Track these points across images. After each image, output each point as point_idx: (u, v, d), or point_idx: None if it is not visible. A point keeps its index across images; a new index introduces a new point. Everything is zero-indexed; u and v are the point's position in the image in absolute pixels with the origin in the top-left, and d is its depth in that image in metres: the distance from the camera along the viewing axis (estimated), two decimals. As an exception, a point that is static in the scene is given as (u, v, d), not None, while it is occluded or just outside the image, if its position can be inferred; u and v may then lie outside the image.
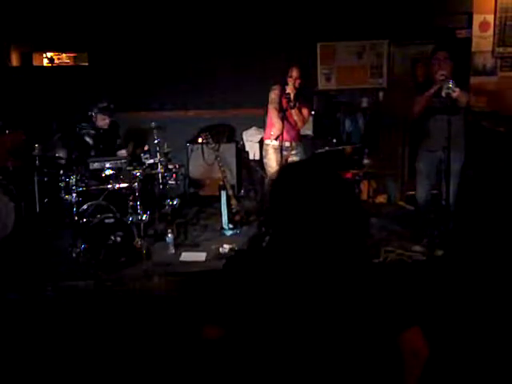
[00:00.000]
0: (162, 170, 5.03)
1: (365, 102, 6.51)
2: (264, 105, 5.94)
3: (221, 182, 5.20)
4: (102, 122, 5.12)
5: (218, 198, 5.21)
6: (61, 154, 5.22)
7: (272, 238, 1.54)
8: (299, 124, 4.90)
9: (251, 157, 6.25)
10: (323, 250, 1.48)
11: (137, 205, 4.76)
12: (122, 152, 5.32)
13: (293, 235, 1.50)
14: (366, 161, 4.97)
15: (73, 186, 4.52)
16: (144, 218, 4.79)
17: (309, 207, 1.48)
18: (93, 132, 5.11)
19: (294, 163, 2.16)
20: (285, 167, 1.66)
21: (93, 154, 5.06)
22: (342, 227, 1.49)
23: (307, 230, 1.48)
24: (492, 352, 2.97)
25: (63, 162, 5.12)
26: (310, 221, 1.47)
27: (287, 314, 1.47)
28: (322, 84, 6.51)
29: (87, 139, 5.11)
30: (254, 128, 6.32)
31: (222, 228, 5.16)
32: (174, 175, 5.09)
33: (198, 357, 1.62)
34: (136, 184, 4.72)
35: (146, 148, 5.21)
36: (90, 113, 5.12)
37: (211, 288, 1.62)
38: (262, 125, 6.16)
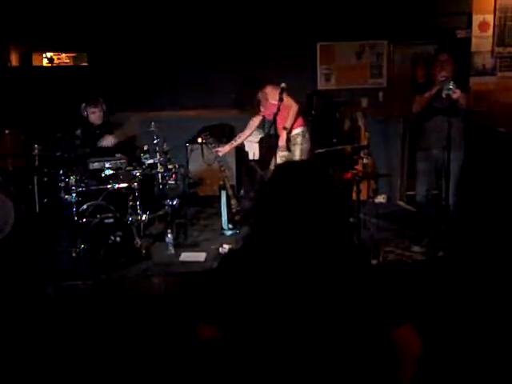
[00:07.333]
0: (162, 170, 5.02)
1: (364, 102, 6.51)
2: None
3: (221, 182, 5.19)
4: (94, 115, 5.17)
5: (218, 198, 5.20)
6: (59, 153, 5.21)
7: (263, 237, 1.55)
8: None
9: (251, 157, 6.24)
10: (314, 248, 1.50)
11: (136, 205, 4.76)
12: (108, 139, 5.23)
13: (282, 233, 1.51)
14: (365, 161, 4.96)
15: (72, 186, 4.52)
16: (143, 218, 4.79)
17: (296, 206, 1.49)
18: (88, 143, 5.12)
19: (282, 164, 2.20)
20: (276, 168, 1.68)
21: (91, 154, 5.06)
22: (328, 226, 1.51)
23: (295, 228, 1.49)
24: (490, 352, 2.97)
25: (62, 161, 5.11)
26: (298, 219, 1.49)
27: (281, 311, 1.47)
28: (321, 84, 6.51)
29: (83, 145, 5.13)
30: (253, 128, 6.30)
31: (222, 228, 5.15)
32: (174, 175, 5.08)
33: (194, 356, 1.63)
34: (135, 184, 4.72)
35: (145, 148, 5.21)
36: (80, 112, 5.16)
37: (205, 287, 1.63)
38: (261, 125, 6.17)
